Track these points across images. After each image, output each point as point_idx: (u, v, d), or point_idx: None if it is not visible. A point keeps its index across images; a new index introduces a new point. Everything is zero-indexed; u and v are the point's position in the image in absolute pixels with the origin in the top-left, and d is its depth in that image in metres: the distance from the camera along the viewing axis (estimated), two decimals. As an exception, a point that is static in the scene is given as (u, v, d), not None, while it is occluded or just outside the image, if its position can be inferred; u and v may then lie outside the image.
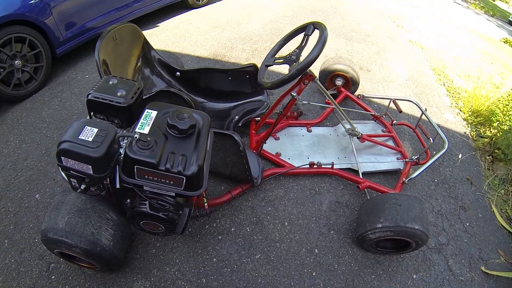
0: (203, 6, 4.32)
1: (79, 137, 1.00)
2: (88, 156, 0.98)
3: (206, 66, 1.96)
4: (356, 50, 3.62)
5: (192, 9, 4.22)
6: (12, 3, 2.28)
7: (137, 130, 1.07)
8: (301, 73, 1.39)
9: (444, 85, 3.37)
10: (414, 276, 1.62)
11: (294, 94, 1.58)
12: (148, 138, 1.03)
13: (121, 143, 1.13)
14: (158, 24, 3.76)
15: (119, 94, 1.19)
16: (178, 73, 1.98)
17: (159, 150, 1.02)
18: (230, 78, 1.96)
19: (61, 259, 1.45)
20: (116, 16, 3.16)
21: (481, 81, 3.68)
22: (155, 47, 2.00)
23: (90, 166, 1.01)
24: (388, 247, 1.62)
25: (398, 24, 4.79)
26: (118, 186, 1.13)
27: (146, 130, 1.08)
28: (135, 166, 1.02)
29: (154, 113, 1.15)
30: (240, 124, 1.92)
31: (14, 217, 1.68)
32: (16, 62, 2.32)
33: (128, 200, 1.18)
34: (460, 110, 3.00)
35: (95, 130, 1.03)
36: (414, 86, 3.17)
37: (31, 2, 2.35)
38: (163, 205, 1.12)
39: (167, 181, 1.04)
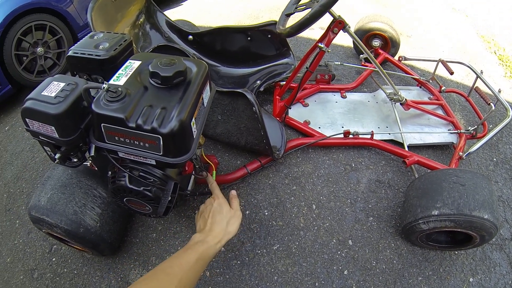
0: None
1: (42, 93, 0.76)
2: (48, 114, 0.73)
3: (221, 26, 1.64)
4: (394, 16, 3.13)
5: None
6: None
7: (110, 81, 0.79)
8: (326, 9, 1.01)
9: (495, 53, 2.76)
10: (471, 280, 1.19)
11: (322, 46, 1.21)
12: (119, 89, 0.73)
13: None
14: (182, 3, 3.56)
15: (101, 47, 0.94)
16: (190, 37, 1.69)
17: (132, 102, 0.72)
18: (249, 38, 1.62)
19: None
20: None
21: (538, 49, 2.97)
22: (176, 19, 1.76)
23: (53, 127, 0.76)
24: (441, 241, 1.19)
25: (439, -8, 4.14)
26: (92, 153, 0.86)
27: (122, 81, 0.78)
28: (102, 124, 0.73)
29: (136, 63, 0.85)
30: (261, 89, 1.59)
31: (26, 197, 1.58)
32: (38, 49, 2.24)
33: (110, 172, 0.89)
34: (516, 81, 2.40)
35: (62, 84, 0.79)
36: (461, 53, 2.62)
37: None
38: (146, 178, 0.82)
39: (141, 143, 0.73)
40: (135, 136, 0.72)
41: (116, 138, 0.74)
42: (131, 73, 0.81)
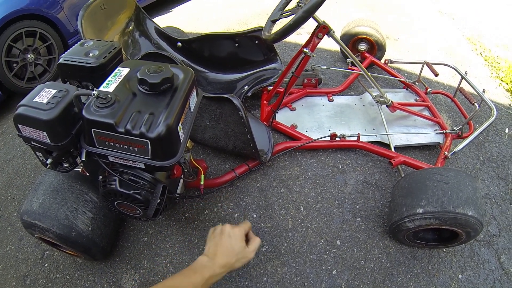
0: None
1: (34, 100, 0.79)
2: (40, 120, 0.77)
3: (209, 32, 1.68)
4: (381, 20, 3.21)
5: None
6: None
7: (100, 88, 0.82)
8: (308, 15, 1.06)
9: (481, 54, 2.85)
10: (460, 276, 1.23)
11: (307, 51, 1.25)
12: (109, 95, 0.76)
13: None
14: (172, 10, 3.60)
15: (91, 54, 0.98)
16: (179, 44, 1.72)
17: (121, 109, 0.75)
18: (237, 44, 1.66)
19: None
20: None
21: (523, 50, 3.05)
22: (165, 26, 1.79)
23: (45, 133, 0.79)
24: (429, 239, 1.23)
25: (425, -5, 4.24)
26: (83, 158, 0.89)
27: (111, 88, 0.82)
28: (92, 130, 0.76)
29: (125, 71, 0.89)
30: (249, 94, 1.62)
31: (18, 204, 1.59)
32: (29, 55, 2.26)
33: (100, 177, 0.92)
34: (502, 81, 2.47)
35: (53, 91, 0.82)
36: (447, 55, 2.69)
37: (39, -5, 2.27)
38: (135, 181, 0.85)
39: (130, 148, 0.76)
40: (124, 141, 0.75)
41: (106, 143, 0.78)
42: (120, 80, 0.85)
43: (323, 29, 1.20)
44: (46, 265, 1.29)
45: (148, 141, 0.73)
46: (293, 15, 1.18)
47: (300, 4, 1.16)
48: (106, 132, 0.75)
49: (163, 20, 3.26)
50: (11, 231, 1.46)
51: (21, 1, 2.19)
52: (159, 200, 0.85)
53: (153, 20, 1.74)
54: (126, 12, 1.57)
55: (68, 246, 1.06)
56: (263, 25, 1.34)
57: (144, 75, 0.80)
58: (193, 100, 0.89)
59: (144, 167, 0.80)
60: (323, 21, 1.20)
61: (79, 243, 1.03)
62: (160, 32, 1.71)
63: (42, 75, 2.40)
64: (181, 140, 0.81)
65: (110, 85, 0.83)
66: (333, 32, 1.23)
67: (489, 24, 3.62)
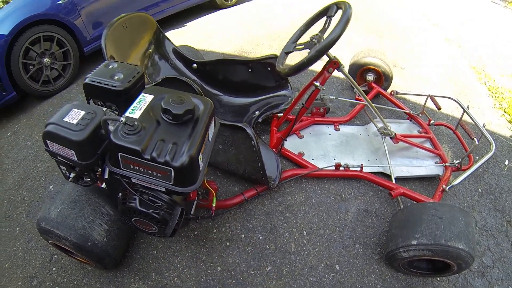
0: (232, 7, 4.17)
1: (64, 119, 0.87)
2: (70, 140, 0.84)
3: (225, 57, 1.76)
4: (388, 47, 3.28)
5: (221, 9, 4.08)
6: (41, 3, 2.30)
7: (126, 114, 0.90)
8: (321, 55, 1.14)
9: (485, 84, 2.93)
10: None
11: (318, 84, 1.33)
12: (136, 123, 0.84)
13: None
14: (185, 24, 3.68)
15: (116, 77, 1.05)
16: (195, 65, 1.81)
17: (147, 136, 0.83)
18: (250, 70, 1.74)
19: (64, 252, 1.37)
20: (143, 16, 3.13)
21: (527, 81, 3.13)
22: (180, 44, 1.87)
23: (73, 152, 0.87)
24: (423, 268, 1.30)
25: (433, 23, 4.34)
26: (106, 176, 0.96)
27: (136, 115, 0.89)
28: (119, 154, 0.84)
29: (149, 98, 0.96)
30: (260, 120, 1.70)
31: (27, 206, 1.64)
32: (45, 59, 2.34)
33: (120, 194, 1.00)
34: (505, 112, 2.55)
35: (82, 113, 0.90)
36: (452, 85, 2.77)
37: (60, 2, 2.36)
38: (154, 202, 0.92)
39: (154, 173, 0.84)
40: (149, 167, 0.82)
41: (132, 166, 0.85)
42: (144, 107, 0.92)
43: (334, 64, 1.29)
44: (54, 268, 1.34)
45: (172, 169, 0.80)
46: (306, 49, 1.27)
47: (313, 40, 1.25)
48: (133, 157, 0.82)
49: (176, 35, 3.35)
50: (20, 232, 1.51)
51: (40, 6, 2.29)
52: (177, 221, 0.92)
53: (167, 34, 1.82)
54: (147, 32, 1.65)
55: (82, 254, 1.12)
56: (275, 47, 1.42)
57: (168, 105, 0.87)
58: (211, 131, 0.97)
59: (164, 190, 0.88)
60: (334, 56, 1.28)
61: (93, 252, 1.10)
62: (177, 52, 1.80)
63: (56, 80, 2.47)
64: (201, 169, 0.88)
65: (135, 112, 0.91)
66: (343, 67, 1.31)
67: (495, 53, 3.69)
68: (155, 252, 1.36)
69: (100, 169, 1.00)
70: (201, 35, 3.39)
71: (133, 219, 1.00)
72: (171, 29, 3.55)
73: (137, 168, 0.85)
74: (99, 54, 2.96)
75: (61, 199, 1.13)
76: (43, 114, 2.30)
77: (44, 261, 1.37)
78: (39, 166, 1.87)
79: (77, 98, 2.42)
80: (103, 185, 1.09)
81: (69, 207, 1.10)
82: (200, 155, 0.87)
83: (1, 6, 2.26)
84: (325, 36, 1.23)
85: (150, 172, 0.84)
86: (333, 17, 1.24)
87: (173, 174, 0.81)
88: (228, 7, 4.12)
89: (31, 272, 1.33)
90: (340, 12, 1.19)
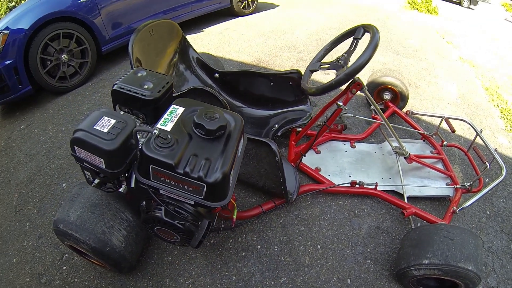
0: (249, 15, 4.24)
1: (94, 127, 0.88)
2: (100, 149, 0.85)
3: (247, 69, 1.79)
4: (404, 65, 3.32)
5: (238, 17, 4.15)
6: (62, 0, 2.34)
7: (158, 126, 0.91)
8: (349, 79, 1.17)
9: (497, 106, 2.95)
10: None
11: (340, 104, 1.36)
12: (169, 136, 0.86)
13: (140, 138, 0.98)
14: (203, 29, 3.72)
15: (145, 86, 1.07)
16: (217, 75, 1.84)
17: (179, 150, 0.85)
18: (272, 83, 1.77)
19: (76, 251, 1.37)
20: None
21: (539, 103, 3.16)
22: (198, 50, 1.90)
23: (102, 160, 0.88)
24: (431, 287, 1.33)
25: (448, 41, 4.37)
26: (132, 185, 0.98)
27: (168, 127, 0.91)
28: (151, 166, 0.86)
29: (180, 110, 0.98)
30: (279, 134, 1.72)
31: (39, 202, 1.66)
32: (63, 56, 2.38)
33: (144, 203, 1.02)
34: (516, 135, 2.57)
35: (113, 121, 0.90)
36: (465, 105, 2.79)
37: (81, 0, 2.39)
38: (180, 213, 0.95)
39: (185, 187, 0.86)
40: (181, 181, 0.84)
41: (162, 179, 0.87)
42: (176, 119, 0.94)
43: (357, 85, 1.31)
44: (64, 267, 1.34)
45: (205, 185, 0.82)
46: (332, 70, 1.30)
47: (340, 61, 1.28)
48: (165, 170, 0.84)
49: (194, 40, 3.38)
50: (30, 227, 1.52)
51: (62, 3, 2.32)
52: (203, 233, 0.94)
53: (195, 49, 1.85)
54: (173, 40, 1.68)
55: (99, 258, 1.13)
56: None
57: (202, 120, 0.89)
58: (240, 146, 1.00)
59: (193, 203, 0.90)
60: (358, 77, 1.30)
61: (111, 257, 1.11)
62: (199, 61, 1.82)
63: (72, 76, 2.50)
64: (230, 184, 0.91)
65: (167, 123, 0.93)
66: (366, 88, 1.33)
67: (508, 73, 3.72)
68: (170, 258, 1.37)
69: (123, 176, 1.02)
70: (218, 42, 3.43)
71: (155, 228, 1.02)
72: (189, 33, 3.60)
73: (168, 181, 0.87)
74: (116, 54, 3.01)
75: (80, 202, 1.13)
76: (57, 110, 2.33)
77: (54, 259, 1.37)
78: (52, 162, 1.90)
79: (92, 96, 2.46)
80: (121, 189, 1.10)
81: (89, 211, 1.11)
82: (231, 171, 0.89)
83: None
84: (351, 58, 1.26)
85: (181, 186, 0.86)
86: (359, 40, 1.27)
87: (205, 189, 0.83)
88: (245, 15, 4.19)
89: (40, 269, 1.34)
90: (367, 35, 1.22)
